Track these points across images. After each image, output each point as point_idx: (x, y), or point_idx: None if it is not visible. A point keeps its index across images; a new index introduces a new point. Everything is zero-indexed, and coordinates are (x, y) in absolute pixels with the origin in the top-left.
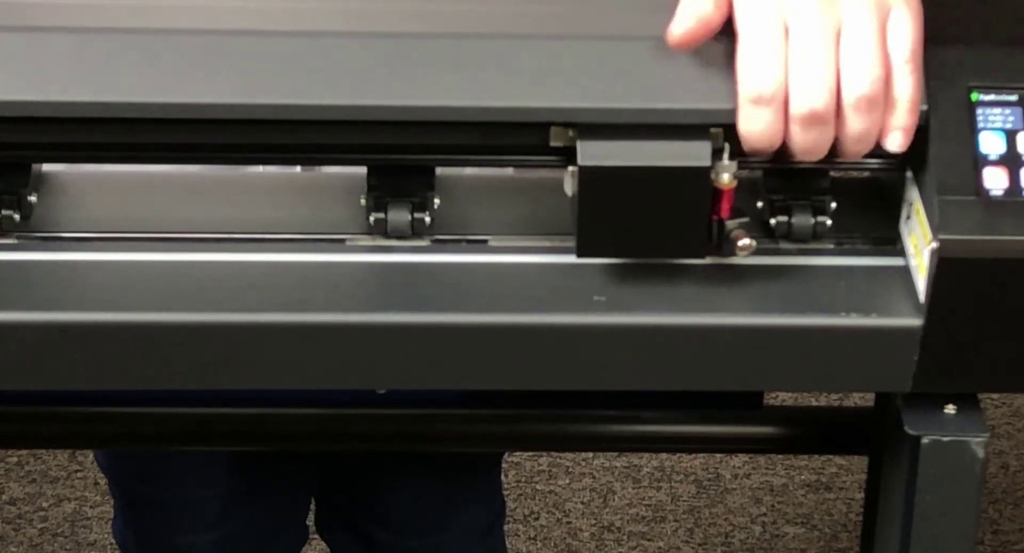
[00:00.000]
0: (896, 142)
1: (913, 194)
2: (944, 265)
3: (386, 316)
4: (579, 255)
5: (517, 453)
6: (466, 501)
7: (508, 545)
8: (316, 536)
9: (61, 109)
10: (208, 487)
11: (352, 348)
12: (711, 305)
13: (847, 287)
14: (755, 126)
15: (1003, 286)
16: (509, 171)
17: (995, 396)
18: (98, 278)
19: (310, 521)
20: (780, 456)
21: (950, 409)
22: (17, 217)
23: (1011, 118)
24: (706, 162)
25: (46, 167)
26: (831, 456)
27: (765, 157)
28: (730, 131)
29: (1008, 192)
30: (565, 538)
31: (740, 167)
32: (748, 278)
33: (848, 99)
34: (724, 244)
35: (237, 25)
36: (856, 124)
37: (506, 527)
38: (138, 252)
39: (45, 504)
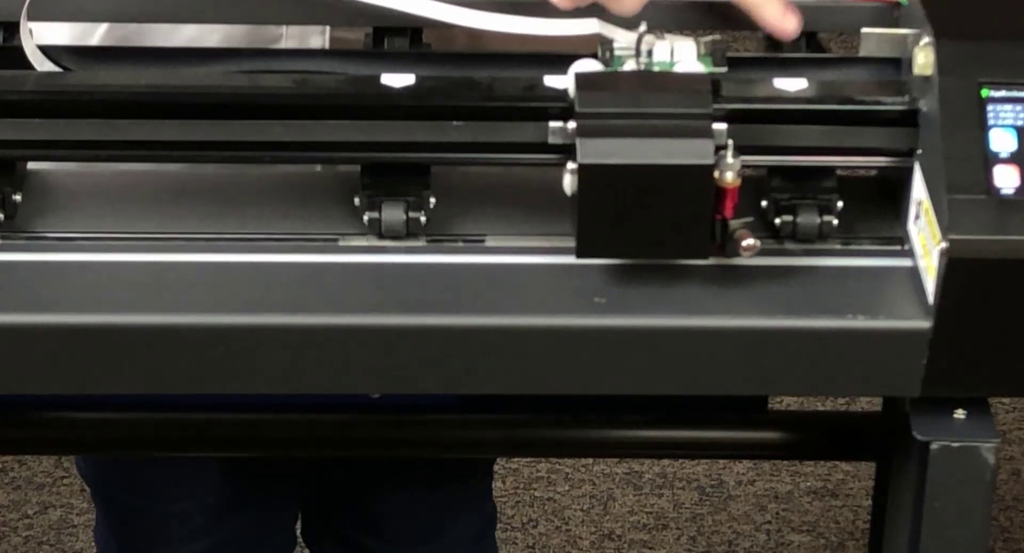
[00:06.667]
0: None
1: (922, 193)
2: (954, 266)
3: (381, 318)
4: (579, 255)
5: (515, 459)
6: (458, 508)
7: None
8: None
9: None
10: (193, 498)
11: (346, 351)
12: (714, 307)
13: (854, 288)
14: None
15: (1014, 287)
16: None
17: (1006, 400)
18: (84, 279)
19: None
20: (785, 462)
21: (960, 414)
22: (1, 216)
23: (1022, 115)
24: (709, 160)
25: (31, 166)
26: (837, 462)
27: None
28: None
29: (1019, 191)
30: (564, 546)
31: (744, 165)
32: (752, 279)
33: None
34: (728, 244)
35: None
36: None
37: (504, 535)
38: (125, 253)
39: (30, 511)
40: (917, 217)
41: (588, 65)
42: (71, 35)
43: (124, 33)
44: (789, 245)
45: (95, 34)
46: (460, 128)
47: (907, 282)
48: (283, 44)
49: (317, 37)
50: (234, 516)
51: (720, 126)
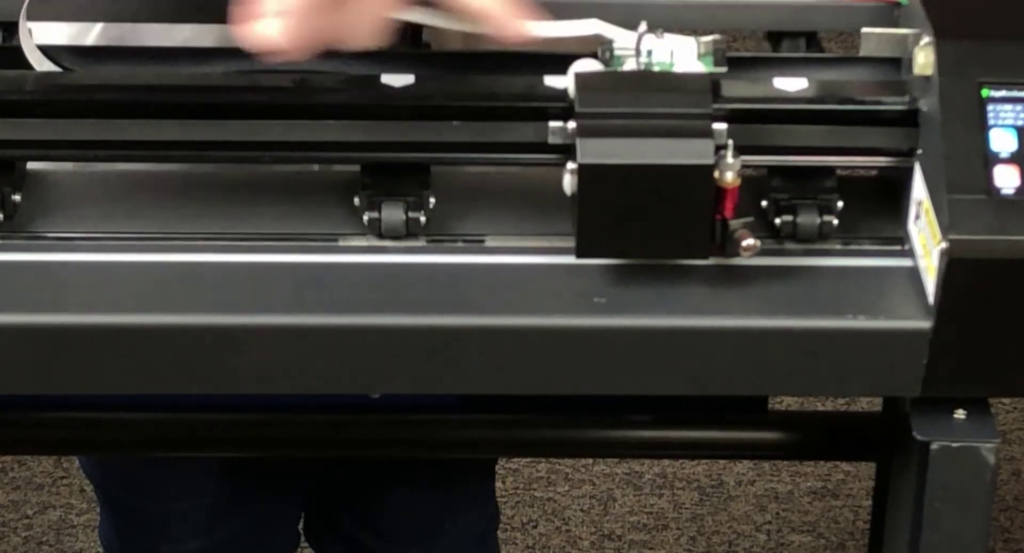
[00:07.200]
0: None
1: (922, 193)
2: (954, 266)
3: (380, 318)
4: (579, 255)
5: (515, 459)
6: (460, 508)
7: None
8: (306, 544)
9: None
10: (195, 497)
11: (345, 352)
12: (714, 307)
13: (854, 289)
14: None
15: (1014, 287)
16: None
17: (1006, 400)
18: (84, 280)
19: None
20: (785, 462)
21: (960, 414)
22: (1, 217)
23: (1022, 115)
24: (709, 160)
25: (31, 166)
26: (838, 462)
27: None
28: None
29: (1019, 191)
30: (564, 547)
31: (744, 165)
32: (752, 279)
33: None
34: (728, 244)
35: None
36: None
37: (504, 535)
38: (125, 253)
39: (30, 512)
40: (917, 217)
41: (588, 65)
42: (67, 35)
43: (119, 33)
44: (789, 245)
45: (90, 34)
46: (460, 128)
47: (907, 282)
48: None
49: None
50: (235, 515)
51: (720, 126)
